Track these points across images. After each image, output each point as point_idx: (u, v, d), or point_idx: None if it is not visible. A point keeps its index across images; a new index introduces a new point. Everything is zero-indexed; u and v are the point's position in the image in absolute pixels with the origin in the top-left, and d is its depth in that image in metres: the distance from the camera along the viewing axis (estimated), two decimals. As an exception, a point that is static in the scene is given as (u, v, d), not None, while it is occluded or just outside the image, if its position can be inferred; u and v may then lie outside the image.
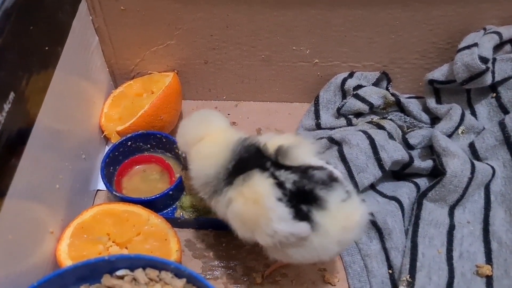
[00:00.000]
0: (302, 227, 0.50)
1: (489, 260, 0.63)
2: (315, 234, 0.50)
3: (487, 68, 0.69)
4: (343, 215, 0.51)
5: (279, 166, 0.53)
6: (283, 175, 0.52)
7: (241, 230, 0.54)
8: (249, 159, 0.55)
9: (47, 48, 0.59)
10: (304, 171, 0.52)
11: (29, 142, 0.54)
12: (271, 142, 0.56)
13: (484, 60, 0.69)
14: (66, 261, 0.59)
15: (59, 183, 0.62)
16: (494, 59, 0.72)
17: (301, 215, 0.50)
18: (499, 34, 0.71)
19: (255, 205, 0.51)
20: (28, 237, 0.55)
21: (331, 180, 0.52)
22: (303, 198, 0.51)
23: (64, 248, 0.60)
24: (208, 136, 0.60)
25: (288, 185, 0.51)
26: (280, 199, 0.50)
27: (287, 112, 0.88)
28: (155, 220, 0.64)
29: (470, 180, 0.66)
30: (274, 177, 0.52)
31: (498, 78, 0.72)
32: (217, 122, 0.62)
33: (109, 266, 0.51)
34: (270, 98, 0.88)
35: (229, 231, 0.69)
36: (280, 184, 0.51)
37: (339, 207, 0.51)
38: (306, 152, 0.55)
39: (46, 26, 0.60)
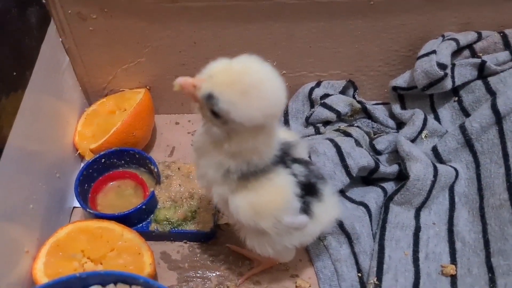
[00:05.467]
0: (303, 219, 0.56)
1: (453, 259, 0.66)
2: (310, 223, 0.56)
3: (446, 74, 0.71)
4: (331, 207, 0.59)
5: (293, 160, 0.57)
6: (296, 168, 0.56)
7: (249, 217, 0.53)
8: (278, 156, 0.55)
9: (14, 73, 0.60)
10: (306, 165, 0.57)
11: (0, 164, 0.55)
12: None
13: (442, 66, 0.71)
14: (42, 279, 0.60)
15: (33, 203, 0.63)
16: (454, 64, 0.75)
17: (303, 207, 0.55)
18: (456, 40, 0.74)
19: (276, 197, 0.53)
20: (3, 258, 0.56)
21: (322, 175, 0.59)
22: (308, 191, 0.56)
23: (40, 266, 0.62)
24: None
25: (301, 178, 0.55)
26: (297, 194, 0.54)
27: (259, 122, 0.89)
28: (128, 235, 0.66)
29: (433, 183, 0.68)
30: (292, 172, 0.55)
31: (458, 82, 0.74)
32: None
33: (81, 283, 0.53)
34: (242, 109, 0.90)
35: (203, 242, 0.72)
36: (294, 176, 0.55)
37: (330, 199, 0.58)
38: (303, 148, 0.59)
39: (12, 52, 0.61)
